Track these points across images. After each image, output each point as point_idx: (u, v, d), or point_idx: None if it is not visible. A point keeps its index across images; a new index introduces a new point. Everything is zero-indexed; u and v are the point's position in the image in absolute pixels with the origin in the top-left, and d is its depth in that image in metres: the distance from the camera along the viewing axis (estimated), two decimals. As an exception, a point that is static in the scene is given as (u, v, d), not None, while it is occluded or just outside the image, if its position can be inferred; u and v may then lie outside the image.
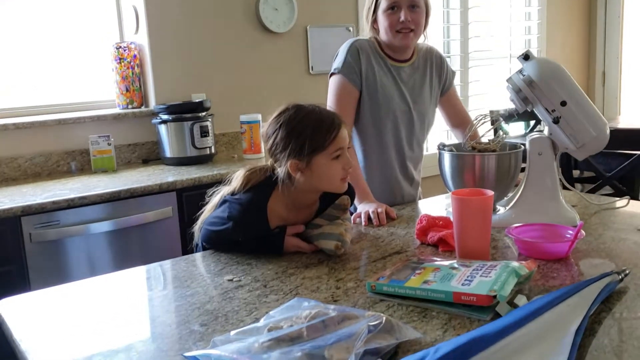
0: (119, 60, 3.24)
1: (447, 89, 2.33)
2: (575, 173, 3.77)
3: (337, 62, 2.17)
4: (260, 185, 1.64)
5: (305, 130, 1.56)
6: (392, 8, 2.09)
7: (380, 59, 2.18)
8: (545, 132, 1.80)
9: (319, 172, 1.58)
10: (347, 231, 1.63)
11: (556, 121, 1.72)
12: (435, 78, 2.29)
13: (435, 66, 2.28)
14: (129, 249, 2.58)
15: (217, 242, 1.67)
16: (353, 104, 2.16)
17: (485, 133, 2.03)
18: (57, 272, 2.41)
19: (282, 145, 1.58)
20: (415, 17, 2.10)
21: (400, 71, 2.20)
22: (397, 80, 2.19)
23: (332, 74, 2.18)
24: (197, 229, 1.73)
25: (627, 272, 1.31)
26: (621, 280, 1.28)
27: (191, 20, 3.36)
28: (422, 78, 2.25)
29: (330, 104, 2.15)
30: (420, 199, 2.36)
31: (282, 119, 1.59)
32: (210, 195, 1.74)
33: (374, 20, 2.17)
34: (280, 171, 1.61)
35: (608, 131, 1.75)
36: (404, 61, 2.22)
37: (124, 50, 3.25)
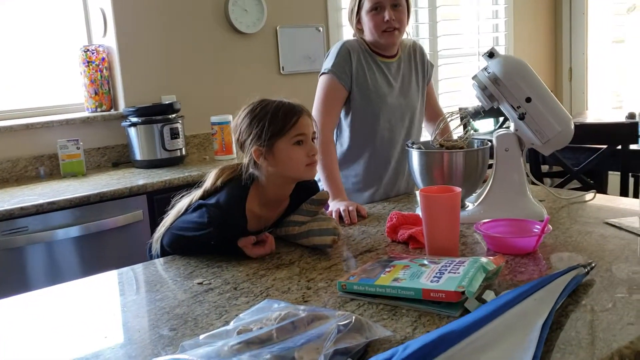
0: (87, 64, 3.20)
1: (427, 81, 2.38)
2: (544, 168, 3.82)
3: (328, 62, 2.20)
4: (235, 187, 1.64)
5: (265, 117, 1.61)
6: (376, 8, 2.14)
7: (370, 57, 2.21)
8: (512, 128, 1.82)
9: (281, 157, 1.61)
10: (338, 225, 1.67)
11: (521, 117, 1.74)
12: (420, 70, 2.34)
13: (418, 59, 2.34)
14: (100, 254, 2.55)
15: (187, 247, 1.65)
16: (340, 103, 2.20)
17: (455, 129, 2.06)
18: (26, 279, 2.38)
19: (245, 133, 1.63)
20: (398, 15, 2.14)
21: (390, 66, 2.25)
22: (387, 76, 2.23)
23: (322, 74, 2.21)
24: (158, 236, 1.70)
25: (593, 265, 1.34)
26: (587, 273, 1.30)
27: (160, 22, 3.33)
28: (409, 72, 2.30)
29: (317, 101, 2.20)
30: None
31: (247, 109, 1.66)
32: (179, 198, 1.72)
33: (358, 21, 2.21)
34: (246, 159, 1.64)
35: (573, 126, 1.78)
36: (391, 57, 2.26)
37: (92, 53, 3.21)
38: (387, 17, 2.11)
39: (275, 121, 1.60)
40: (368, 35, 2.19)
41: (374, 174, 2.27)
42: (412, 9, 4.34)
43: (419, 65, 2.33)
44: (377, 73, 2.21)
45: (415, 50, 2.33)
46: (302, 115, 1.63)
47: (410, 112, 2.29)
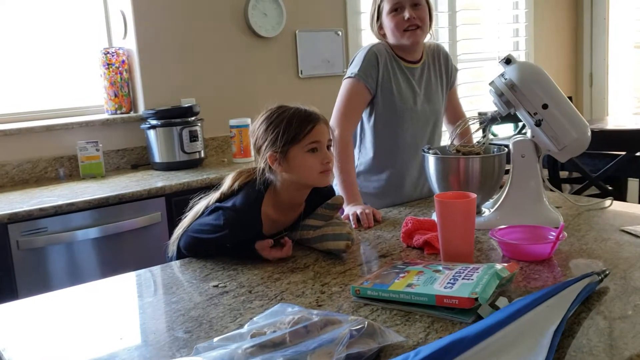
0: (107, 66, 3.25)
1: (451, 85, 2.37)
2: (563, 174, 3.80)
3: (354, 66, 2.19)
4: (251, 190, 1.66)
5: (281, 123, 1.62)
6: (396, 9, 2.14)
7: (395, 62, 2.21)
8: (528, 134, 1.82)
9: (295, 164, 1.62)
10: (352, 229, 1.67)
11: (538, 124, 1.74)
12: (445, 75, 2.33)
13: (442, 63, 2.33)
14: (118, 256, 2.58)
15: (203, 249, 1.67)
16: (362, 107, 2.20)
17: (474, 132, 2.06)
18: (45, 279, 2.41)
19: (262, 138, 1.65)
20: (419, 14, 2.15)
21: (414, 72, 2.25)
22: (411, 82, 2.23)
23: (347, 77, 2.20)
24: (175, 238, 1.72)
25: (607, 272, 1.33)
26: (601, 280, 1.29)
27: (179, 25, 3.36)
28: (434, 76, 2.30)
29: (339, 104, 2.19)
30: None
31: (264, 115, 1.67)
32: (197, 200, 1.75)
33: (380, 27, 2.22)
34: (261, 164, 1.66)
35: (589, 133, 1.77)
36: (416, 62, 2.25)
37: (112, 56, 3.25)
38: (407, 15, 2.11)
39: (290, 128, 1.61)
40: (391, 38, 2.19)
41: (397, 179, 2.27)
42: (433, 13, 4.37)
43: (443, 70, 2.32)
44: (402, 79, 2.21)
45: (439, 54, 2.32)
46: (318, 123, 1.63)
47: (434, 118, 2.29)
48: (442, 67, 2.32)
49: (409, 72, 2.23)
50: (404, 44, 2.18)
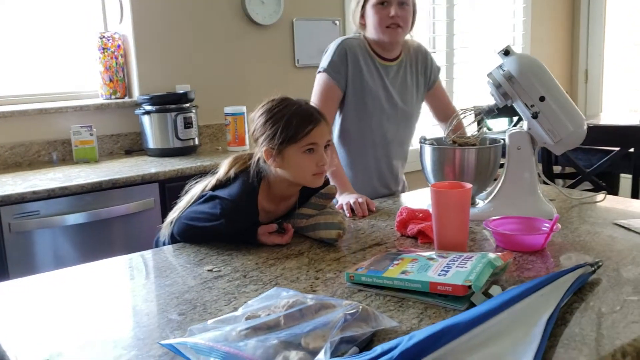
0: (102, 50, 3.23)
1: (432, 84, 2.34)
2: (557, 169, 3.81)
3: (324, 61, 2.18)
4: (248, 180, 1.64)
5: (281, 120, 1.59)
6: (382, 3, 2.10)
7: (370, 59, 2.18)
8: (525, 127, 1.82)
9: (290, 163, 1.61)
10: (344, 219, 1.67)
11: (535, 116, 1.74)
12: (421, 76, 2.30)
13: (420, 63, 2.30)
14: (111, 240, 2.58)
15: (197, 237, 1.67)
16: (335, 103, 2.18)
17: (468, 125, 2.06)
18: (37, 262, 2.40)
19: (260, 131, 1.63)
20: (403, 14, 2.12)
21: (389, 70, 2.21)
22: (384, 81, 2.20)
23: (318, 71, 2.19)
24: (169, 222, 1.71)
25: (600, 264, 1.34)
26: (594, 272, 1.30)
27: (176, 11, 3.34)
28: (410, 76, 2.26)
29: (313, 98, 2.18)
30: (403, 191, 2.39)
31: (266, 106, 1.64)
32: (193, 184, 1.74)
33: (362, 16, 2.18)
34: (258, 155, 1.65)
35: (585, 126, 1.78)
36: (391, 60, 2.23)
37: (108, 40, 3.23)
38: (392, 12, 2.09)
39: (289, 127, 1.58)
40: (371, 31, 2.16)
41: (365, 176, 2.26)
42: (430, 7, 4.37)
43: (421, 69, 2.29)
44: (374, 76, 2.18)
45: (418, 54, 2.29)
46: (318, 125, 1.61)
47: (406, 118, 2.27)
48: (419, 67, 2.29)
49: (383, 71, 2.20)
50: (383, 40, 2.15)
